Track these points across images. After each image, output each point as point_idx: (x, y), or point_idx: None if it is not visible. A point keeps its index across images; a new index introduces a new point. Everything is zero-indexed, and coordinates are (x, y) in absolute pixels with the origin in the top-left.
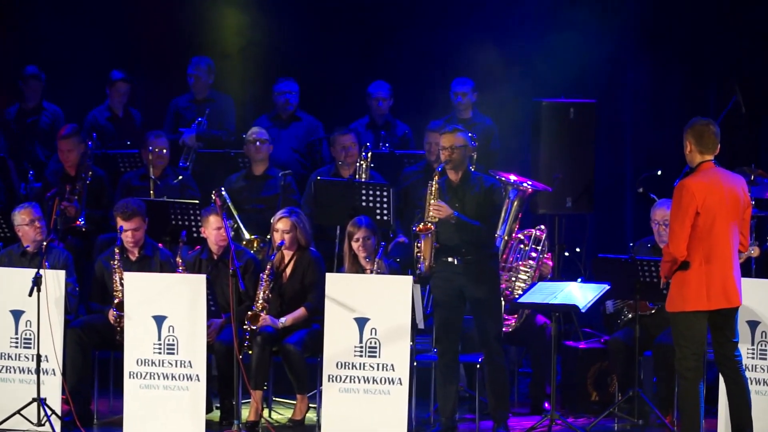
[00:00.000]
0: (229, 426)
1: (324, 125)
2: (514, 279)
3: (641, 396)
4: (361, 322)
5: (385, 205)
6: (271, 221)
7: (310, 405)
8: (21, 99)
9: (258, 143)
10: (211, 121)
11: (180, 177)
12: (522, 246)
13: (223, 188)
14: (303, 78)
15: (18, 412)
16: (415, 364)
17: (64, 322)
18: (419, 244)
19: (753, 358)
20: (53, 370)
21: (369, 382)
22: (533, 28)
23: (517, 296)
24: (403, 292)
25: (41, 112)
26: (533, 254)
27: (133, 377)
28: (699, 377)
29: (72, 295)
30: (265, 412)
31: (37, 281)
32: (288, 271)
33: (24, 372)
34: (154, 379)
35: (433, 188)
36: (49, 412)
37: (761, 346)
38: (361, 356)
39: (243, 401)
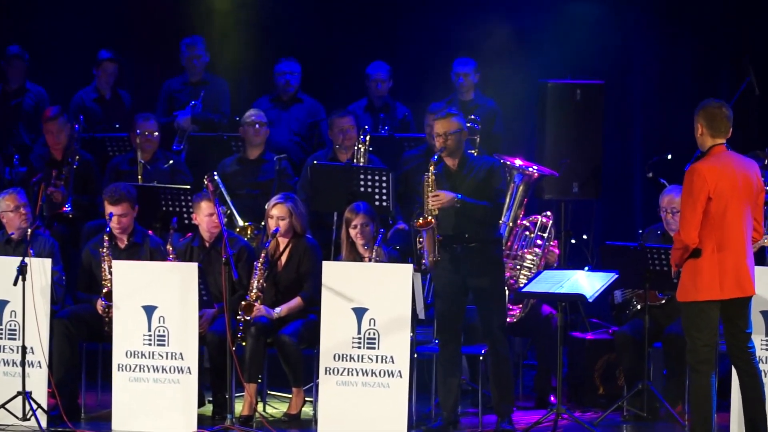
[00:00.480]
0: (222, 420)
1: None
2: (518, 267)
3: (651, 389)
4: (360, 312)
5: (384, 191)
6: (266, 207)
7: (307, 399)
8: (4, 80)
9: (257, 126)
10: (206, 104)
11: (171, 161)
12: (527, 233)
13: (215, 173)
14: (299, 58)
15: (2, 406)
16: (415, 356)
17: (50, 313)
18: (421, 240)
19: (767, 349)
20: (39, 362)
21: (367, 375)
22: (538, 6)
23: (521, 285)
24: (402, 281)
25: (25, 94)
26: (539, 242)
27: (122, 370)
28: (711, 370)
29: (58, 285)
30: (260, 406)
31: (22, 270)
32: (283, 259)
33: (8, 364)
34: (143, 371)
35: (430, 179)
36: (34, 406)
37: None
38: (359, 348)
39: (236, 395)
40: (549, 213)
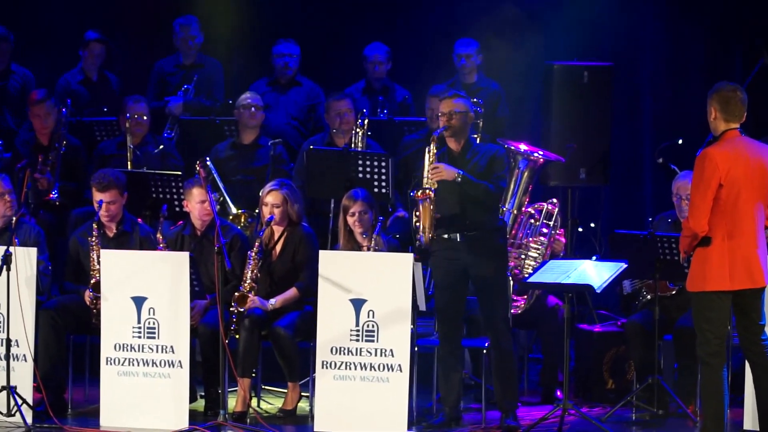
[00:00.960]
0: (215, 416)
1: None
2: (523, 257)
3: (661, 384)
4: (358, 303)
5: (383, 177)
6: (260, 194)
7: (303, 394)
8: None
9: (252, 109)
10: (199, 88)
11: (161, 146)
12: (532, 221)
13: (208, 158)
14: (295, 38)
15: None
16: (416, 349)
17: (36, 304)
18: (418, 213)
19: None
20: (24, 355)
21: (366, 369)
22: None
23: (526, 275)
24: (402, 271)
25: (10, 76)
26: (544, 230)
27: (111, 363)
28: (722, 363)
29: (44, 275)
30: (254, 402)
31: (6, 259)
32: (278, 248)
33: None
34: (133, 365)
35: (431, 152)
36: (19, 401)
37: None
38: (357, 341)
39: (229, 390)
40: (555, 200)
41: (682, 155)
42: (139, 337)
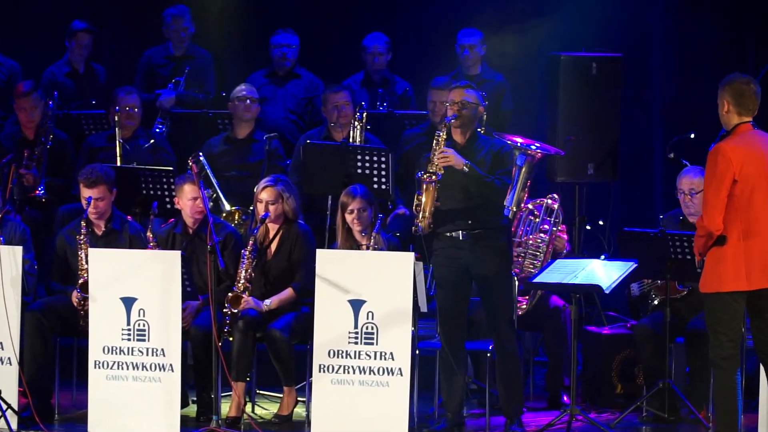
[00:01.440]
0: (208, 422)
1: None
2: (523, 255)
3: (672, 388)
4: (357, 304)
5: (383, 172)
6: (255, 191)
7: (299, 399)
8: None
9: (248, 101)
10: (190, 80)
11: (152, 140)
12: (532, 218)
13: (200, 153)
14: (291, 28)
15: None
16: (417, 352)
17: (22, 305)
18: (420, 196)
19: None
20: (9, 358)
21: (365, 373)
22: None
23: (527, 274)
24: (403, 271)
25: None
26: (545, 227)
27: (99, 367)
28: (735, 366)
29: (30, 274)
30: (248, 407)
31: None
32: (273, 246)
33: None
34: (122, 369)
35: (442, 138)
36: (4, 407)
37: None
38: (356, 343)
39: (223, 394)
40: (555, 195)
41: (694, 150)
42: (129, 339)
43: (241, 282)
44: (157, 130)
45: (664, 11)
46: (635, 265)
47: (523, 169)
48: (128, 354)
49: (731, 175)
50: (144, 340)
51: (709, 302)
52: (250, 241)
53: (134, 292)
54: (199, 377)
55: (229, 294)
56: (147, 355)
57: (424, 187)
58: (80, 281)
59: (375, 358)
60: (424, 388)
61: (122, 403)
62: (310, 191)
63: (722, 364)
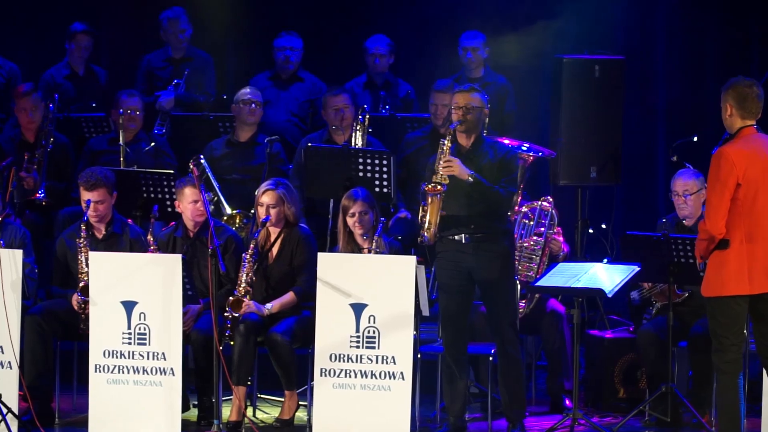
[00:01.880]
0: (209, 426)
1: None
2: (518, 258)
3: (675, 392)
4: (358, 308)
5: (384, 176)
6: (256, 194)
7: (300, 403)
8: None
9: (253, 105)
10: (190, 82)
11: (152, 143)
12: (526, 221)
13: (201, 156)
14: (293, 30)
15: None
16: (418, 356)
17: (22, 309)
18: (425, 207)
19: None
20: (9, 362)
21: (367, 377)
22: None
23: (524, 278)
24: (405, 275)
25: None
26: (541, 229)
27: (100, 371)
28: (738, 371)
29: (30, 278)
30: (249, 411)
31: None
32: (274, 250)
33: None
34: (123, 373)
35: (446, 147)
36: (4, 411)
37: None
38: (357, 347)
39: (224, 398)
40: (550, 198)
41: (697, 153)
42: (129, 343)
43: (242, 286)
44: (157, 131)
45: (667, 14)
46: (638, 269)
47: (517, 174)
48: (129, 358)
49: (734, 179)
50: (145, 344)
51: (712, 306)
52: (251, 245)
53: (135, 295)
54: (200, 381)
55: (230, 298)
56: (148, 358)
57: (429, 199)
58: (81, 284)
59: (377, 362)
60: (425, 392)
61: (123, 407)
62: (311, 194)
63: (725, 368)
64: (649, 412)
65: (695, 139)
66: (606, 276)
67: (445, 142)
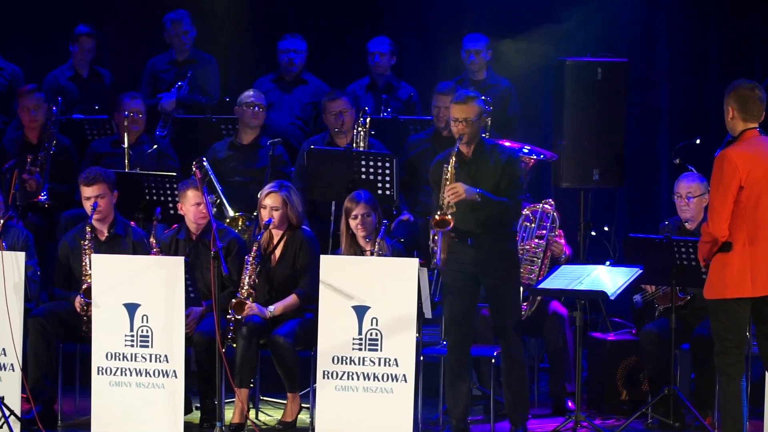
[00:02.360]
0: (211, 428)
1: None
2: (520, 261)
3: (677, 394)
4: (361, 310)
5: (387, 178)
6: (258, 196)
7: (303, 405)
8: None
9: (256, 108)
10: (193, 84)
11: (155, 146)
12: (528, 223)
13: (204, 158)
14: (296, 32)
15: None
16: (421, 358)
17: (24, 311)
18: (435, 236)
19: None
20: (12, 364)
21: (369, 379)
22: None
23: (526, 281)
24: (408, 277)
25: None
26: (542, 232)
27: (102, 373)
28: (741, 373)
29: (33, 280)
30: (252, 413)
31: None
32: (277, 253)
33: None
34: (125, 375)
35: (450, 173)
36: (7, 413)
37: None
38: (360, 350)
39: (226, 401)
40: (551, 200)
41: (700, 155)
42: (132, 345)
43: (245, 288)
44: (159, 133)
45: (670, 16)
46: (640, 272)
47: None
48: (131, 360)
49: (737, 182)
50: (147, 346)
51: (714, 308)
52: (254, 247)
53: (137, 298)
54: (203, 383)
55: (233, 300)
56: (150, 361)
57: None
58: (84, 286)
59: (379, 365)
60: (428, 395)
61: (125, 409)
62: (314, 197)
63: (728, 370)
64: (652, 414)
65: (697, 141)
66: (608, 278)
67: (448, 168)
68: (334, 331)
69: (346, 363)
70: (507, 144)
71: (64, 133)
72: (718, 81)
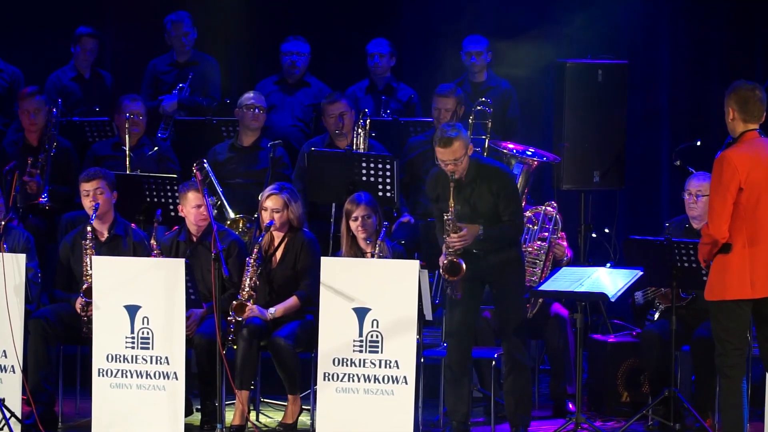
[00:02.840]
0: (211, 430)
1: None
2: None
3: (678, 396)
4: (361, 312)
5: (387, 180)
6: (259, 198)
7: (303, 407)
8: None
9: (256, 110)
10: (194, 86)
11: (156, 148)
12: (530, 225)
13: (205, 160)
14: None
15: None
16: (422, 360)
17: (25, 313)
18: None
19: None
20: (12, 366)
21: (370, 381)
22: None
23: (528, 283)
24: (408, 279)
25: None
26: (544, 234)
27: (103, 375)
28: (741, 374)
29: (33, 282)
30: (252, 415)
31: None
32: (278, 254)
33: None
34: (126, 377)
35: (453, 225)
36: (7, 415)
37: None
38: (360, 351)
39: (227, 402)
40: (554, 202)
41: (701, 157)
42: (133, 347)
43: (246, 290)
44: (160, 135)
45: (671, 18)
46: (641, 273)
47: (520, 178)
48: (132, 362)
49: (737, 183)
50: (148, 348)
51: (714, 310)
52: (255, 249)
53: (138, 300)
54: (203, 385)
55: (234, 302)
56: (151, 363)
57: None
58: (84, 287)
59: (380, 367)
60: (429, 397)
61: (126, 411)
62: (314, 199)
63: (728, 372)
64: (652, 416)
65: (698, 143)
66: (609, 280)
67: (450, 216)
68: (334, 332)
69: (347, 365)
70: (511, 146)
71: (64, 135)
72: (719, 83)
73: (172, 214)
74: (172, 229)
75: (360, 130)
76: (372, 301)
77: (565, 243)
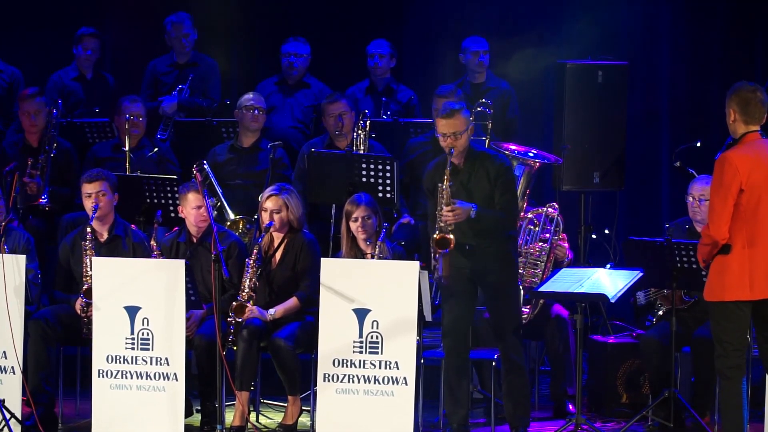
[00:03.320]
0: (212, 431)
1: None
2: (524, 264)
3: (678, 397)
4: (361, 313)
5: (387, 181)
6: (259, 199)
7: (303, 408)
8: None
9: (256, 111)
10: (194, 87)
11: (156, 149)
12: (532, 227)
13: (205, 161)
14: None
15: None
16: (422, 361)
17: (25, 314)
18: (436, 256)
19: None
20: (12, 367)
21: (370, 382)
22: None
23: (529, 284)
24: (408, 280)
25: None
26: (546, 236)
27: (103, 376)
28: (741, 376)
29: (33, 283)
30: (252, 416)
31: None
32: (278, 255)
33: None
34: (126, 378)
35: (446, 193)
36: (7, 416)
37: None
38: (360, 352)
39: (227, 403)
40: (555, 204)
41: (701, 158)
42: (133, 348)
43: (246, 291)
44: (160, 136)
45: (671, 19)
46: (641, 274)
47: (522, 179)
48: (132, 363)
49: (738, 184)
50: (148, 349)
51: (714, 311)
52: (255, 250)
53: (138, 301)
54: (203, 386)
55: (234, 303)
56: (151, 364)
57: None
58: (84, 287)
59: (380, 368)
60: (428, 398)
61: (126, 412)
62: (314, 200)
63: (728, 373)
64: (652, 417)
65: (698, 144)
66: (609, 281)
67: (444, 187)
68: (334, 333)
69: (347, 366)
70: (513, 147)
71: (64, 136)
72: (719, 84)
73: (172, 215)
74: (172, 230)
75: (360, 131)
76: (372, 302)
77: (566, 244)
